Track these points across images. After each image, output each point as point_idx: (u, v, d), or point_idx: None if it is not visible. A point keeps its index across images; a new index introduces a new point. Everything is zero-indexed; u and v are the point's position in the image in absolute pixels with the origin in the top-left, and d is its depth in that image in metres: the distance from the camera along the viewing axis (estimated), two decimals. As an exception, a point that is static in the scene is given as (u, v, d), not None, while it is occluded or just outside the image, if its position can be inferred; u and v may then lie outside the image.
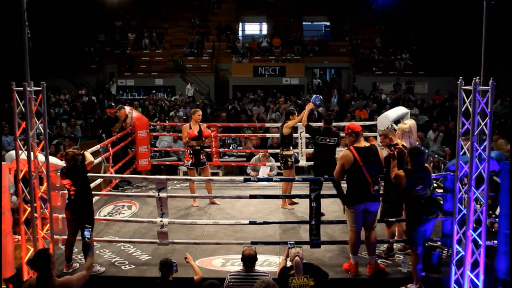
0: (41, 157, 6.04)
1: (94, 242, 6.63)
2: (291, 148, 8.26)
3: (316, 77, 26.60)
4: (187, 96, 21.10)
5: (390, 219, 6.40)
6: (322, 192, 6.41)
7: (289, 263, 5.36)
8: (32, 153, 5.87)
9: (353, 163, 5.78)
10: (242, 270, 5.30)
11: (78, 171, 6.02)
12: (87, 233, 5.05)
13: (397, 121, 8.90)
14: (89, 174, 6.29)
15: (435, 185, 8.17)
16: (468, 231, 5.71)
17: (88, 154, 6.17)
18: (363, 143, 5.91)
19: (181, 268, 5.45)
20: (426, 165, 5.89)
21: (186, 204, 8.47)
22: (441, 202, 7.21)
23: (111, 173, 8.83)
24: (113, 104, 10.11)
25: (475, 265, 5.70)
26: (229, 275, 5.28)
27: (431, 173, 5.90)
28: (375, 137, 9.99)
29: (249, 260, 5.26)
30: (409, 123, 6.71)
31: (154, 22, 25.96)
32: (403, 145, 6.19)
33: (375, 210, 5.99)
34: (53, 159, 6.46)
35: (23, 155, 5.91)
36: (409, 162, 5.74)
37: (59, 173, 6.37)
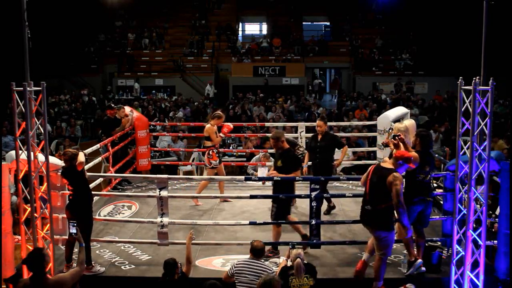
0: (41, 157, 6.04)
1: (94, 242, 6.65)
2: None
3: (317, 77, 26.60)
4: (208, 97, 21.12)
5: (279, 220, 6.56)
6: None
7: (289, 263, 5.37)
8: (32, 153, 5.87)
9: (365, 178, 5.76)
10: (250, 258, 5.35)
11: (75, 172, 6.03)
12: (73, 230, 5.05)
13: (397, 121, 8.91)
14: (89, 174, 6.30)
15: (435, 185, 8.18)
16: (468, 231, 5.71)
17: (80, 154, 6.08)
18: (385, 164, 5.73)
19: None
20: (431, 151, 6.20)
21: (186, 204, 8.47)
22: (441, 202, 7.22)
23: (111, 173, 8.83)
24: (112, 105, 10.10)
25: (475, 265, 5.70)
26: (236, 263, 5.33)
27: (435, 159, 6.17)
28: (372, 138, 10.02)
29: (257, 251, 5.34)
30: (407, 123, 6.74)
31: (154, 22, 25.98)
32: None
33: (375, 234, 5.65)
34: (53, 159, 6.46)
35: (23, 155, 5.91)
36: (418, 144, 6.00)
37: (59, 173, 6.38)
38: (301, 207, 8.24)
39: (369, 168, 5.75)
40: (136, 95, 22.07)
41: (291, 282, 5.11)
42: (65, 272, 4.68)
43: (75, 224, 5.08)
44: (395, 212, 5.60)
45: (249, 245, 5.63)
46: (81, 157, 6.05)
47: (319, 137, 7.95)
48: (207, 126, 8.42)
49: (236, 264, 5.31)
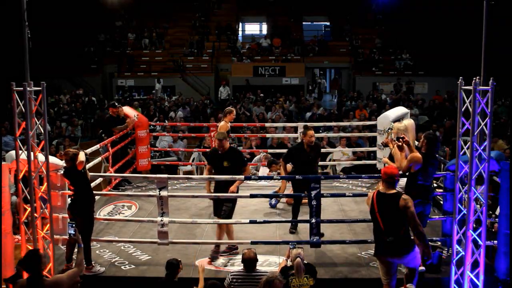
0: (41, 157, 6.04)
1: (94, 242, 6.65)
2: None
3: (320, 78, 26.55)
4: (221, 98, 20.93)
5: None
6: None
7: (289, 263, 5.36)
8: (32, 153, 5.87)
9: (370, 208, 5.38)
10: (244, 270, 5.29)
11: (75, 171, 6.03)
12: (71, 230, 5.06)
13: (397, 121, 8.91)
14: (90, 174, 6.29)
15: (435, 185, 8.19)
16: (468, 231, 5.71)
17: (81, 154, 6.10)
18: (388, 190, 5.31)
19: (186, 268, 5.45)
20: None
21: (186, 204, 8.46)
22: (441, 202, 7.21)
23: (111, 173, 8.82)
24: (116, 104, 10.06)
25: (475, 265, 5.70)
26: (231, 274, 5.27)
27: (438, 162, 6.15)
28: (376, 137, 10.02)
29: (249, 263, 5.26)
30: (406, 122, 6.75)
31: (154, 22, 25.98)
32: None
33: (405, 260, 5.34)
34: (53, 159, 6.46)
35: (23, 155, 5.91)
36: (424, 146, 5.97)
37: (60, 173, 6.38)
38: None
39: (371, 196, 5.34)
40: (158, 95, 21.77)
41: (291, 282, 5.10)
42: (63, 274, 4.67)
43: (73, 225, 5.09)
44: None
45: (249, 245, 5.64)
46: (81, 156, 6.06)
47: (307, 148, 7.22)
48: (221, 124, 8.45)
49: (232, 277, 5.24)
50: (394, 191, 5.23)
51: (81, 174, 6.09)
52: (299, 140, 10.03)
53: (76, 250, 6.34)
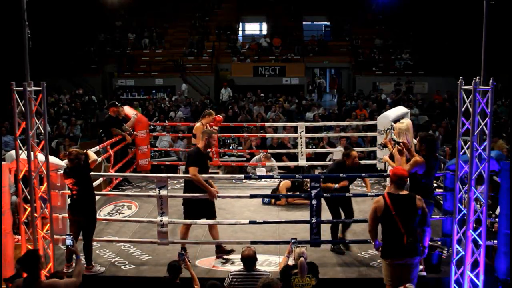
0: (41, 157, 6.04)
1: (94, 242, 6.64)
2: None
3: (320, 77, 26.55)
4: (222, 100, 20.82)
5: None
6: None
7: (290, 261, 5.35)
8: (32, 153, 5.87)
9: (384, 211, 5.17)
10: (243, 269, 5.29)
11: (82, 171, 6.04)
12: (69, 242, 5.06)
13: (397, 121, 8.91)
14: (90, 174, 6.31)
15: (435, 185, 8.19)
16: (468, 231, 5.71)
17: (91, 153, 6.23)
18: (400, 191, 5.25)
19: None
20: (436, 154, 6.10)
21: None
22: (441, 201, 7.21)
23: (111, 173, 8.81)
24: (117, 103, 10.03)
25: (475, 265, 5.70)
26: (231, 274, 5.27)
27: (440, 163, 6.07)
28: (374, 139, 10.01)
29: (248, 261, 5.26)
30: (406, 122, 6.75)
31: (154, 22, 25.98)
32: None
33: (415, 261, 5.26)
34: (53, 159, 6.46)
35: (23, 155, 5.91)
36: (423, 149, 5.89)
37: (60, 173, 6.37)
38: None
39: (385, 200, 5.14)
40: (185, 95, 21.30)
41: (293, 282, 5.08)
42: (61, 280, 4.66)
43: (71, 236, 5.10)
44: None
45: (249, 245, 5.63)
46: (93, 155, 6.13)
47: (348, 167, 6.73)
48: (197, 124, 8.46)
49: (231, 277, 5.24)
50: (406, 192, 5.22)
51: (86, 173, 6.10)
52: (299, 140, 10.08)
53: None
